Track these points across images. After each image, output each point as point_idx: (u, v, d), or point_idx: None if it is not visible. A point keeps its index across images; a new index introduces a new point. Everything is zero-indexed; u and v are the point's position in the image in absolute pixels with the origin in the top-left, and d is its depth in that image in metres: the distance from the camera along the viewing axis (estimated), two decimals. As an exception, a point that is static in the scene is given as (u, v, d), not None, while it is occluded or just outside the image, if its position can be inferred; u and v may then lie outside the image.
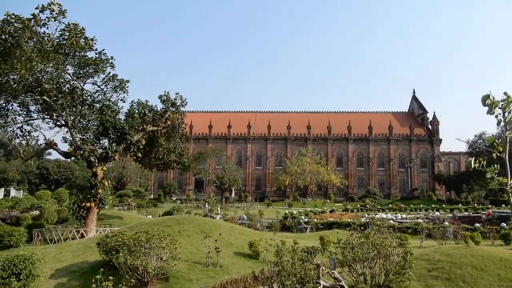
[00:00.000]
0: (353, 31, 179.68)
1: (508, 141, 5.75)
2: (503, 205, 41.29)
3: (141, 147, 23.63)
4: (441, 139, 70.37)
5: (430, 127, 72.70)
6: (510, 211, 30.76)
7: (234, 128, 73.21)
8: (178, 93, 24.85)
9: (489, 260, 8.96)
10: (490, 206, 43.15)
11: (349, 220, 28.69)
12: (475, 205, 45.14)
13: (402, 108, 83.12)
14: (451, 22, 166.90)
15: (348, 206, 45.51)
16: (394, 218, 31.63)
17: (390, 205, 46.59)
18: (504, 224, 24.28)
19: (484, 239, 19.95)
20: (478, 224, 24.90)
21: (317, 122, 73.32)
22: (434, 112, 72.98)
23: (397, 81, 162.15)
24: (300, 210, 39.15)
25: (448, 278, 8.56)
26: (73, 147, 20.70)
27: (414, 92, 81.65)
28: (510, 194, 5.69)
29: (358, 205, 46.91)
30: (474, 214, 32.15)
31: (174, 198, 59.82)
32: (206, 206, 43.19)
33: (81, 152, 20.49)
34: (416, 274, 8.58)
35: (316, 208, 42.10)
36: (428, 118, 73.90)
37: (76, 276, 10.90)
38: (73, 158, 22.84)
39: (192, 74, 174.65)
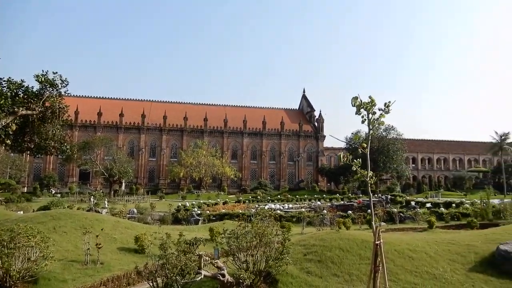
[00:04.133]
0: (250, 29, 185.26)
1: (370, 139, 6.61)
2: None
3: (11, 133, 20.54)
4: (325, 136, 77.52)
5: (316, 124, 79.56)
6: (376, 199, 35.75)
7: (127, 116, 68.99)
8: (57, 72, 22.17)
9: (354, 242, 10.21)
10: (361, 195, 49.34)
11: (240, 211, 29.67)
12: (350, 194, 51.13)
13: (294, 105, 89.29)
14: (332, 26, 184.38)
15: (241, 198, 47.02)
16: (282, 208, 33.77)
17: (279, 196, 49.65)
18: (373, 211, 28.02)
19: (354, 224, 22.73)
20: (350, 211, 28.13)
21: (214, 115, 73.88)
22: (320, 111, 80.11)
23: (289, 80, 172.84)
24: (194, 203, 39.02)
25: (320, 260, 9.46)
26: None
27: (304, 91, 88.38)
28: (369, 184, 6.55)
29: (250, 197, 48.85)
30: (348, 203, 36.29)
31: (53, 192, 53.68)
32: (92, 199, 39.92)
33: None
34: (293, 258, 9.28)
35: (210, 200, 42.47)
36: (315, 116, 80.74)
37: None
38: None
39: (80, 54, 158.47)
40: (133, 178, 61.65)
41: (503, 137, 70.35)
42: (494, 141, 71.77)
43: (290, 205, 37.37)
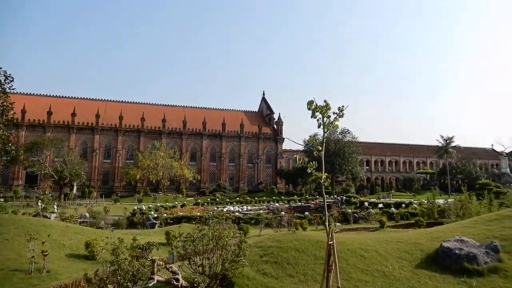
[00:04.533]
0: (210, 30, 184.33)
1: (325, 141, 6.78)
2: (327, 196, 48.91)
3: None
4: (284, 138, 78.65)
5: (275, 126, 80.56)
6: (332, 200, 36.76)
7: (80, 116, 65.85)
8: (0, 68, 20.76)
9: (309, 243, 10.40)
10: (318, 197, 50.55)
11: (199, 214, 29.31)
12: (307, 196, 52.26)
13: (253, 108, 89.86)
14: (301, 31, 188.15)
15: (199, 200, 46.50)
16: (240, 210, 33.80)
17: (238, 198, 49.65)
18: (326, 212, 28.76)
19: (311, 225, 23.21)
20: (307, 213, 28.68)
21: (173, 116, 72.53)
22: (279, 113, 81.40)
23: (250, 83, 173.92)
24: (150, 206, 38.06)
25: (276, 261, 9.54)
26: None
27: (263, 94, 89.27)
28: (323, 186, 6.70)
29: (209, 199, 48.47)
30: (305, 204, 37.05)
31: (-4, 196, 49.96)
32: (39, 204, 37.59)
33: None
34: (250, 260, 9.28)
35: (167, 203, 41.64)
36: (275, 119, 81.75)
37: None
38: None
39: (27, 48, 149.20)
40: (85, 181, 58.91)
41: (448, 141, 75.42)
42: (440, 144, 76.76)
43: (249, 207, 37.50)
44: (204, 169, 72.14)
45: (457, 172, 77.70)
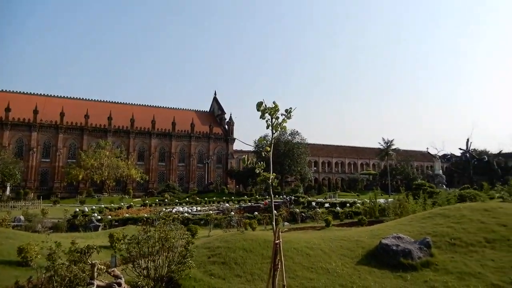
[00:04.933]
0: (161, 28, 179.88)
1: (273, 142, 6.87)
2: (276, 196, 49.71)
3: None
4: (235, 138, 78.88)
5: (226, 127, 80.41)
6: (281, 200, 37.40)
7: (15, 112, 60.90)
8: None
9: (256, 242, 10.48)
10: (267, 197, 51.19)
11: (146, 215, 28.39)
12: (257, 196, 52.75)
13: (205, 107, 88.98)
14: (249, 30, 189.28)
15: (147, 201, 45.05)
16: (190, 210, 33.33)
17: (187, 199, 48.86)
18: (275, 212, 29.24)
19: (260, 225, 23.50)
20: (256, 213, 28.94)
21: (120, 114, 69.59)
22: (231, 114, 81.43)
23: (201, 82, 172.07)
24: (94, 207, 36.21)
25: (224, 262, 9.51)
26: None
27: (215, 94, 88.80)
28: (271, 186, 6.79)
29: (157, 200, 47.18)
30: (255, 204, 37.41)
31: None
32: (-35, 206, 34.29)
33: None
34: (197, 261, 9.17)
35: (113, 205, 39.94)
36: (226, 119, 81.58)
37: None
38: None
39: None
40: (21, 182, 54.64)
41: (388, 144, 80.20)
42: (381, 147, 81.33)
43: (199, 208, 37.11)
44: (153, 169, 70.11)
45: (397, 173, 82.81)
